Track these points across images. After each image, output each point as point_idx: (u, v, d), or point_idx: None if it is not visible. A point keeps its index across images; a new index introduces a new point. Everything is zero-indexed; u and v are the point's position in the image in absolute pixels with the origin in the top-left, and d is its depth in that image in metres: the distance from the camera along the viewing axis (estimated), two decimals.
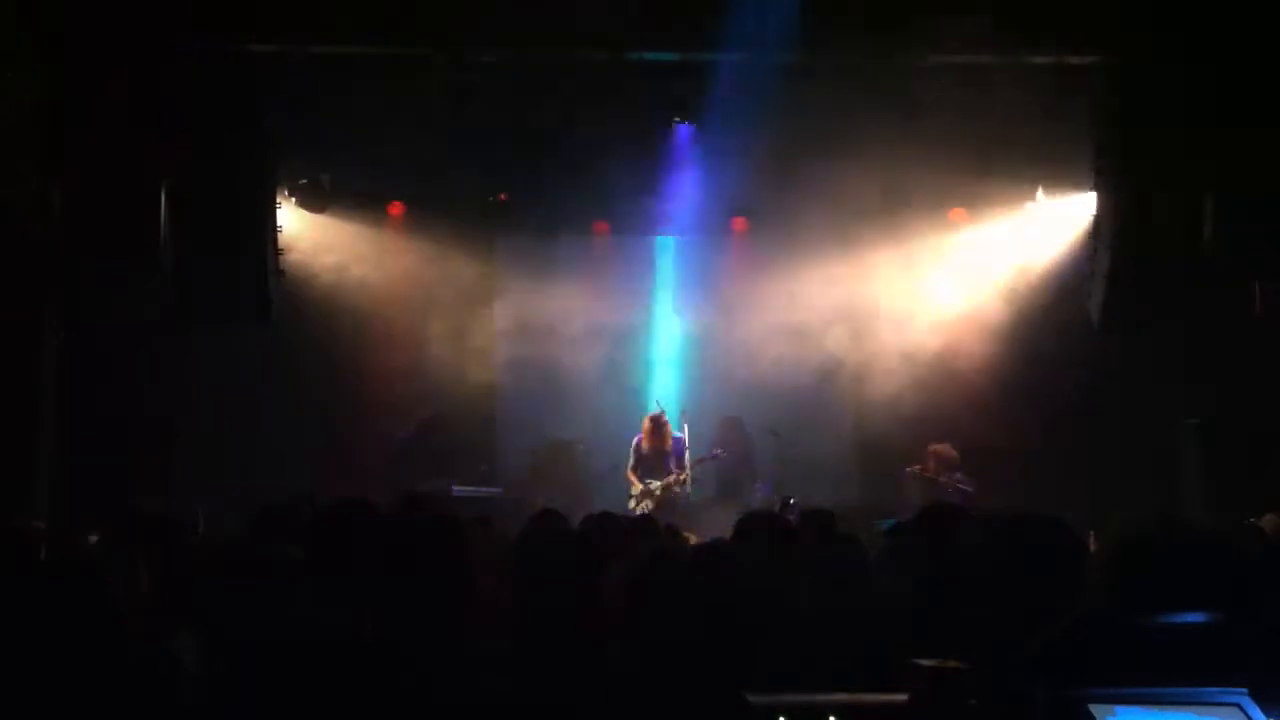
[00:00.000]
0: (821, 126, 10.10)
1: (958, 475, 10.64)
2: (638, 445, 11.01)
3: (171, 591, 3.59)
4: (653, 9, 9.27)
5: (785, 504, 9.85)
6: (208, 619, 3.25)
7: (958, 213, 12.02)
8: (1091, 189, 10.44)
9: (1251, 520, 6.29)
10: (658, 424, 10.99)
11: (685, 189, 11.52)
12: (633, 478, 10.99)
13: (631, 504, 10.76)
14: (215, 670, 3.09)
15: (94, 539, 5.25)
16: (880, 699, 2.65)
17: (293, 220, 11.12)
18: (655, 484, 10.81)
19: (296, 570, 3.50)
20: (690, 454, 11.02)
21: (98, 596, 3.10)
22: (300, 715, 3.03)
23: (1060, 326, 11.07)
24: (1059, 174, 11.19)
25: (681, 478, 10.88)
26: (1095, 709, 2.38)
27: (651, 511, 10.35)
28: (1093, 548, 3.84)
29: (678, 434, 11.05)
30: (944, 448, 10.64)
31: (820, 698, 2.64)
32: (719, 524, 10.26)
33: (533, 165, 11.22)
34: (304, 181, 11.28)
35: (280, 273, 10.27)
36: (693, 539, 6.48)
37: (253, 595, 3.39)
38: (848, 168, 10.43)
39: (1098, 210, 10.24)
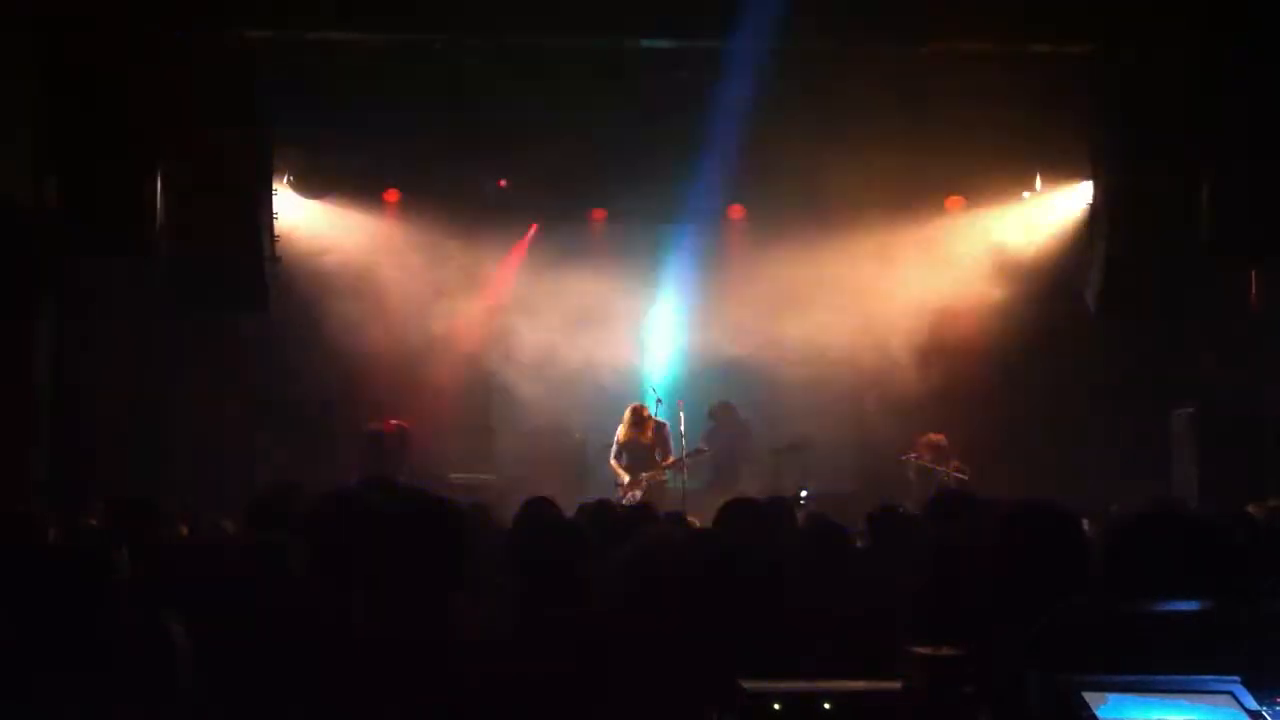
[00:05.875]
0: (820, 114, 10.08)
1: (954, 464, 10.64)
2: (619, 436, 11.07)
3: (159, 578, 3.58)
4: None
5: (799, 494, 9.87)
6: (201, 607, 3.25)
7: (955, 201, 12.01)
8: (1089, 177, 10.44)
9: (1248, 509, 6.29)
10: (638, 415, 11.01)
11: (683, 177, 11.50)
12: (616, 467, 11.01)
13: (618, 492, 10.76)
14: (208, 658, 3.09)
15: (87, 525, 5.25)
16: (874, 686, 2.66)
17: (289, 207, 11.09)
18: (643, 475, 10.84)
19: (291, 560, 3.50)
20: (680, 445, 10.98)
21: (94, 582, 3.10)
22: (295, 703, 3.03)
23: (1057, 314, 11.07)
24: (1057, 162, 11.18)
25: (664, 467, 10.87)
26: (1088, 696, 2.39)
27: (639, 502, 10.36)
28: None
29: (664, 421, 11.05)
30: (937, 437, 10.64)
31: (814, 685, 2.64)
32: (713, 511, 10.29)
33: (531, 152, 11.20)
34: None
35: (277, 260, 10.26)
36: (696, 523, 6.47)
37: (247, 585, 3.39)
38: (846, 156, 10.42)
39: (1095, 198, 10.24)
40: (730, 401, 11.81)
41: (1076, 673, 2.42)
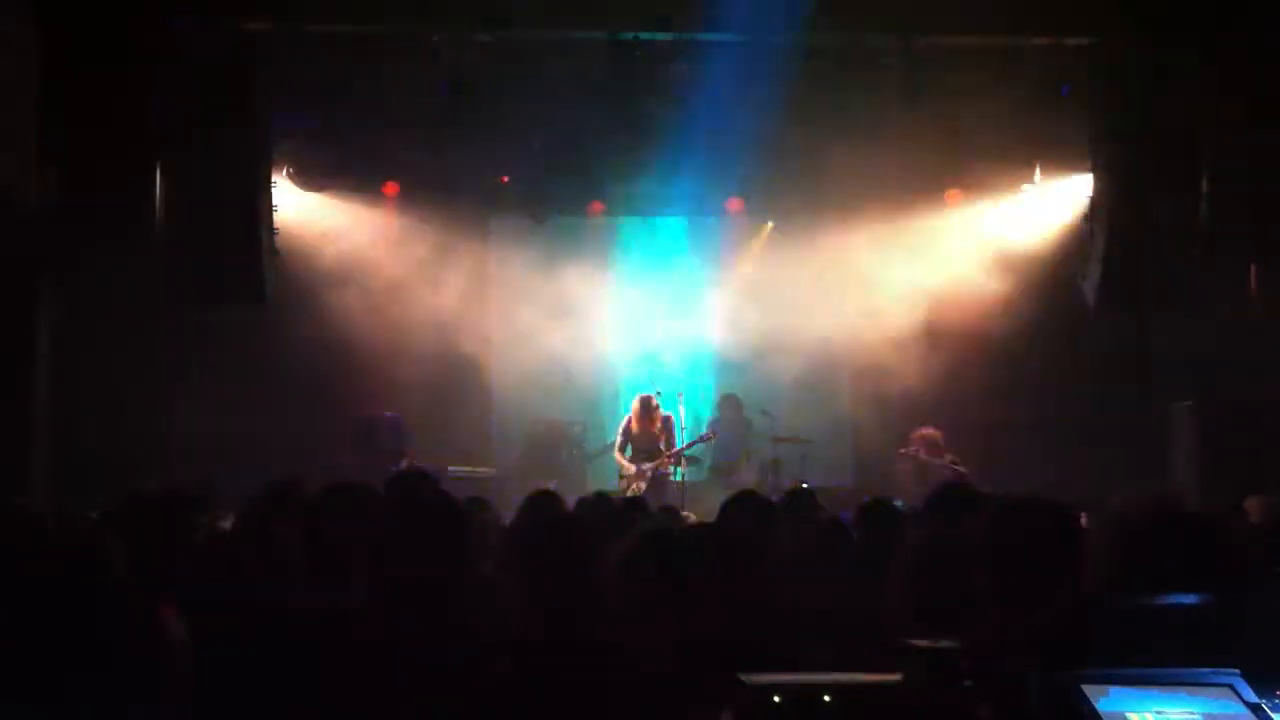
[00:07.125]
0: (818, 108, 10.08)
1: (950, 457, 10.64)
2: (627, 426, 11.01)
3: (159, 576, 3.58)
4: None
5: (799, 489, 9.84)
6: (201, 606, 3.25)
7: (954, 194, 12.00)
8: (1088, 170, 10.44)
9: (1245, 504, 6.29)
10: (647, 405, 10.95)
11: (682, 170, 11.49)
12: (621, 459, 10.98)
13: (621, 484, 10.75)
14: (208, 657, 3.09)
15: (87, 523, 5.23)
16: (874, 679, 2.66)
17: (288, 200, 11.08)
18: (646, 466, 10.82)
19: (290, 557, 3.50)
20: (683, 435, 10.98)
21: (93, 580, 3.10)
22: (296, 703, 3.04)
23: (1056, 308, 11.07)
24: (1056, 155, 11.17)
25: (669, 459, 10.86)
26: (1089, 690, 2.39)
27: (643, 493, 10.35)
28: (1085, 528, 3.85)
29: (669, 413, 11.04)
30: (930, 431, 10.63)
31: (814, 678, 2.64)
32: (713, 505, 10.29)
33: (528, 145, 11.19)
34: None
35: (275, 253, 10.25)
36: (692, 518, 6.48)
37: (247, 583, 3.39)
38: (844, 149, 10.42)
39: (1094, 192, 10.24)
40: (735, 395, 11.81)
41: (1077, 667, 2.42)
